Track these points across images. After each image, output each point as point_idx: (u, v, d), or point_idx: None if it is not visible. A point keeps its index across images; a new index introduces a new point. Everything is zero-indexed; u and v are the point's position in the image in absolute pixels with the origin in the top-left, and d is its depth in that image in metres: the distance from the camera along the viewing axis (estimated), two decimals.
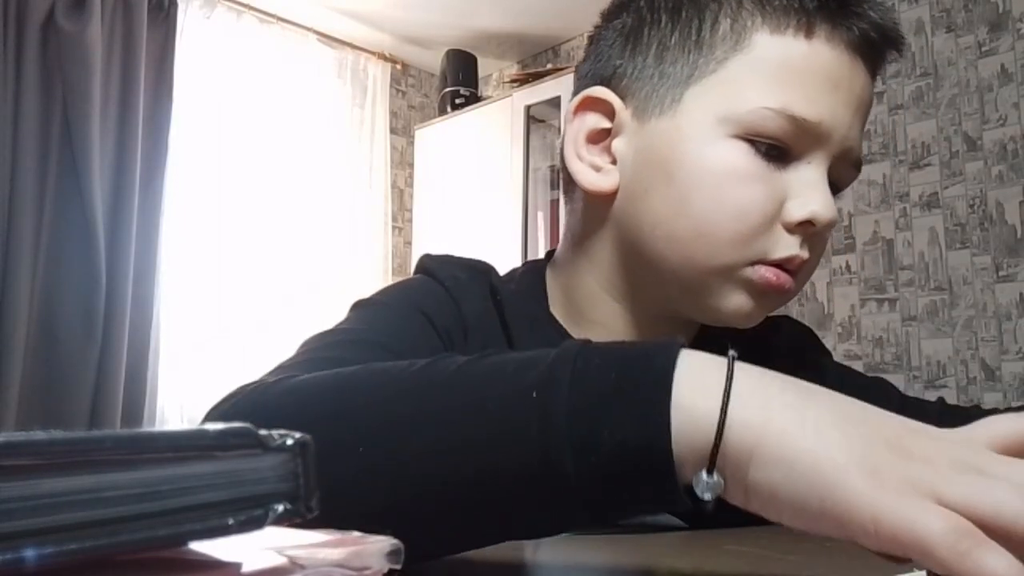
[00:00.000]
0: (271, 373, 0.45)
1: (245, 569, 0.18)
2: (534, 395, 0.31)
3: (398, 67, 3.12)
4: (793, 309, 2.34)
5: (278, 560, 0.19)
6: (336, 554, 0.20)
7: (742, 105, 0.50)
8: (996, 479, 0.26)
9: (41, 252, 2.14)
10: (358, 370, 0.38)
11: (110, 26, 2.29)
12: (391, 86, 3.10)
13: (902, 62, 2.19)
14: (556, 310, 0.60)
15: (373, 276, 2.85)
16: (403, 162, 3.18)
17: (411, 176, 3.15)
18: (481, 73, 3.07)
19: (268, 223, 2.65)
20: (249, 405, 0.38)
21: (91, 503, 0.16)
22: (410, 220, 3.12)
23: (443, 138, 2.93)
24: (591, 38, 0.61)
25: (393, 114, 3.12)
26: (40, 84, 2.18)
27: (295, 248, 2.70)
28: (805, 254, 0.51)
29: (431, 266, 0.59)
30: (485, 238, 2.65)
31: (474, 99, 2.96)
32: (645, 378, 0.30)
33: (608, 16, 0.59)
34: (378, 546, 0.21)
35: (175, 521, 0.18)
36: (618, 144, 0.55)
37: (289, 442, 0.20)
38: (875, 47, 0.53)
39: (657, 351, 0.31)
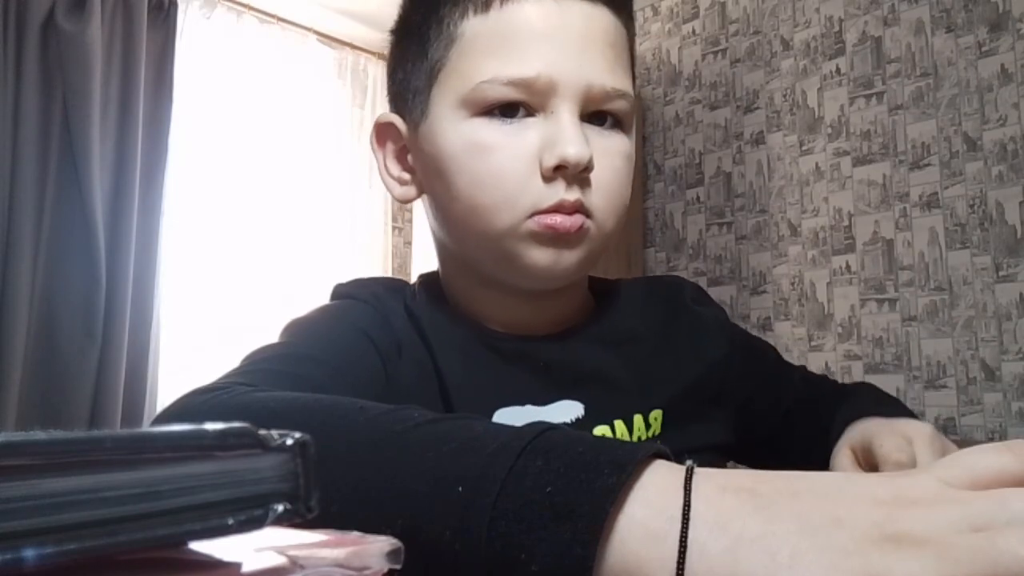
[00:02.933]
0: (223, 378, 0.46)
1: (245, 569, 0.18)
2: (460, 489, 0.30)
3: None
4: (793, 309, 2.34)
5: (278, 560, 0.19)
6: (336, 554, 0.20)
7: (465, 86, 0.54)
8: (997, 533, 0.25)
9: (41, 252, 2.14)
10: (313, 399, 0.40)
11: (110, 26, 2.28)
12: None
13: (902, 62, 2.19)
14: (456, 307, 0.63)
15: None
16: None
17: None
18: None
19: (268, 223, 2.65)
20: (199, 413, 0.39)
21: (91, 503, 0.16)
22: (410, 220, 3.12)
23: None
24: None
25: None
26: (40, 84, 2.17)
27: (295, 248, 2.70)
28: (573, 196, 0.53)
29: (347, 291, 0.62)
30: None
31: None
32: (580, 506, 0.28)
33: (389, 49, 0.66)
34: (378, 546, 0.21)
35: (175, 521, 0.18)
36: (410, 157, 0.61)
37: (289, 442, 0.20)
38: None
39: (609, 467, 0.29)
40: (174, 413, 0.41)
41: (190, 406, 0.41)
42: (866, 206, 2.22)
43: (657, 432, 0.59)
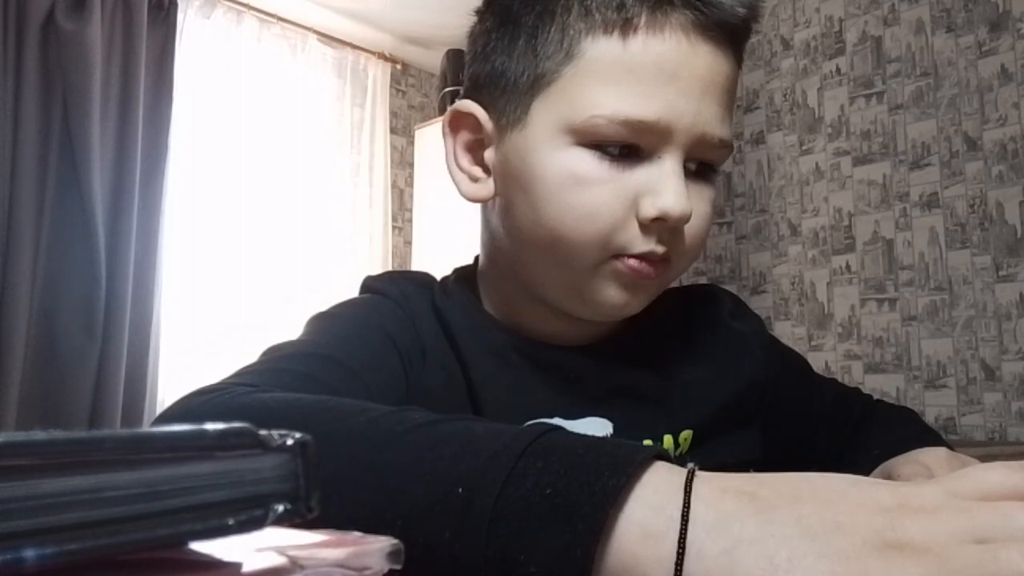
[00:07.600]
0: (230, 378, 0.46)
1: (245, 569, 0.18)
2: (460, 491, 0.30)
3: (398, 67, 3.12)
4: (793, 309, 2.34)
5: (278, 560, 0.19)
6: (336, 554, 0.20)
7: (578, 115, 0.50)
8: (999, 546, 0.25)
9: (41, 252, 2.14)
10: (314, 400, 0.40)
11: (110, 26, 2.28)
12: (391, 86, 3.10)
13: (902, 62, 2.19)
14: (492, 310, 0.61)
15: None
16: (403, 162, 3.18)
17: (411, 176, 3.14)
18: None
19: (268, 223, 2.65)
20: (198, 415, 0.39)
21: (91, 503, 0.16)
22: (410, 220, 3.12)
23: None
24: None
25: (393, 114, 3.12)
26: (40, 84, 2.17)
27: (295, 248, 2.70)
28: (661, 249, 0.51)
29: (378, 286, 0.60)
30: None
31: None
32: (580, 508, 0.28)
33: (473, 24, 0.60)
34: (378, 546, 0.21)
35: (175, 521, 0.18)
36: (488, 155, 0.56)
37: (289, 442, 0.20)
38: (713, 22, 0.51)
39: (609, 469, 0.29)
40: (174, 415, 0.41)
41: (190, 407, 0.41)
42: (866, 206, 2.22)
43: (685, 452, 0.58)
